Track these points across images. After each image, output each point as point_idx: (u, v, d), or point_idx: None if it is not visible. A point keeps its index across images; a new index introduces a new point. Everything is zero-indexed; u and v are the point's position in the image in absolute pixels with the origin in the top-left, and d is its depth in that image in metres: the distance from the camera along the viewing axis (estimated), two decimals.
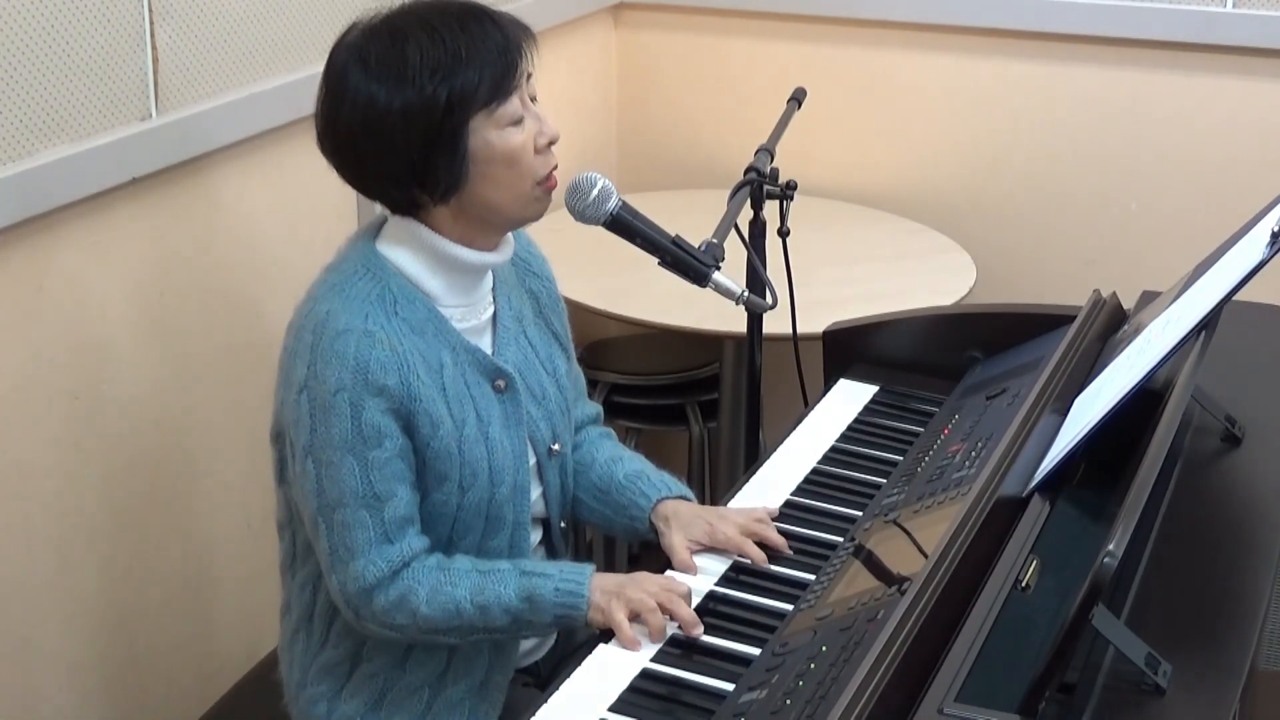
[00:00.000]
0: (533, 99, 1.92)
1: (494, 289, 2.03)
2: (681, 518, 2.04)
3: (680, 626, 1.84)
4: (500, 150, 1.87)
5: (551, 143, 1.92)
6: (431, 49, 1.83)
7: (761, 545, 1.99)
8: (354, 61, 1.86)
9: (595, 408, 2.24)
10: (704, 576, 1.96)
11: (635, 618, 1.84)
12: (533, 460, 2.03)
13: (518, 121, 1.88)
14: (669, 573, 1.97)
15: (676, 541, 2.00)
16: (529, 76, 1.91)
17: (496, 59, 1.86)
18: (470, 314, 1.98)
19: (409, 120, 1.84)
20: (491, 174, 1.88)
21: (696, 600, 1.90)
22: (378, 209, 1.98)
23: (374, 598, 1.88)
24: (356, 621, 1.92)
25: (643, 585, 1.87)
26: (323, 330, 1.86)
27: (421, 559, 1.89)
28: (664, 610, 1.84)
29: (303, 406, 1.87)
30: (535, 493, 2.06)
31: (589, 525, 2.16)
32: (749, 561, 1.97)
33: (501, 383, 1.98)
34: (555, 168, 1.94)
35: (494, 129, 1.87)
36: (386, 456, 1.86)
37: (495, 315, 2.03)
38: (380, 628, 1.90)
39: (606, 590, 1.87)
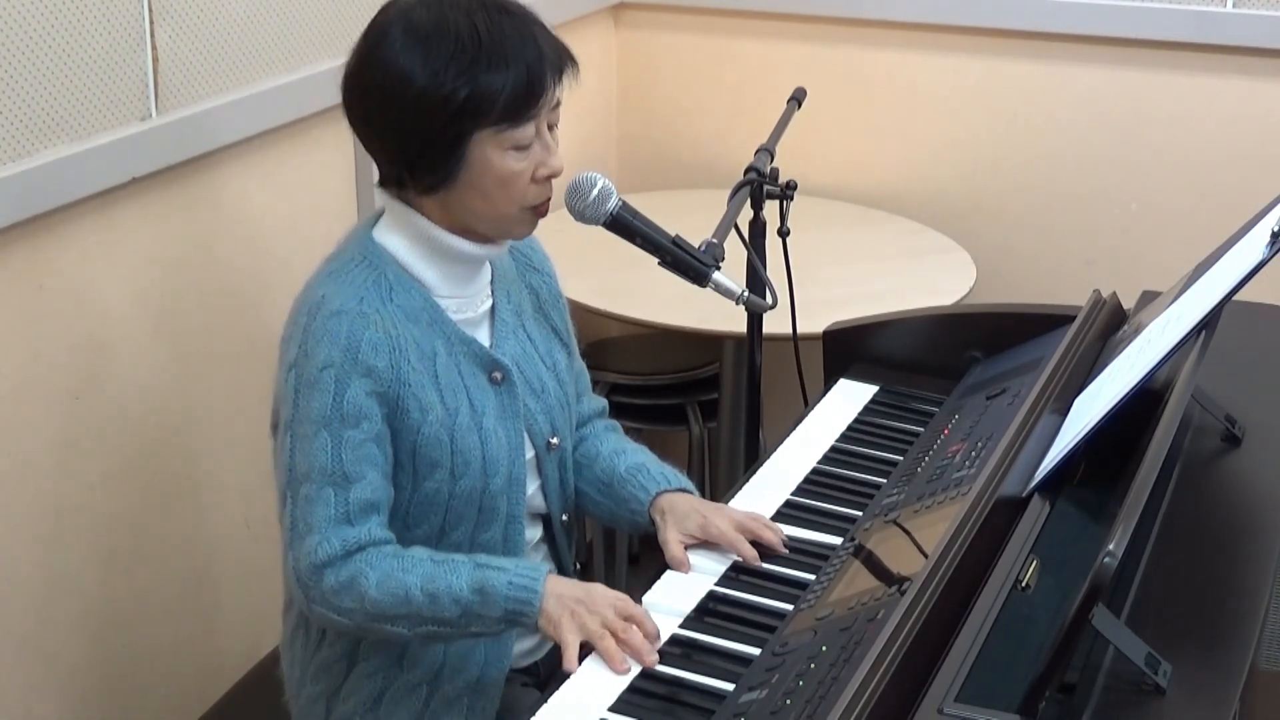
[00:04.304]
0: (552, 127, 1.91)
1: (492, 282, 2.03)
2: (677, 511, 2.02)
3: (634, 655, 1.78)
4: (496, 170, 1.87)
5: (551, 176, 1.91)
6: (469, 44, 1.82)
7: (757, 545, 1.98)
8: (397, 26, 1.85)
9: (600, 402, 2.24)
10: (703, 576, 1.96)
11: (587, 643, 1.79)
12: (531, 454, 2.03)
13: (523, 148, 1.87)
14: (666, 574, 1.96)
15: (670, 536, 1.99)
16: (557, 104, 1.90)
17: (525, 78, 1.84)
18: (467, 306, 1.98)
19: (420, 108, 1.83)
20: (481, 187, 1.88)
21: (697, 599, 1.91)
22: (379, 203, 1.99)
23: (324, 576, 1.85)
24: (306, 604, 1.88)
25: (598, 608, 1.81)
26: (317, 311, 1.87)
27: (379, 547, 1.87)
28: (617, 639, 1.79)
29: (289, 384, 1.87)
30: (533, 486, 2.05)
31: (594, 518, 2.15)
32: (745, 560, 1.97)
33: (498, 375, 1.98)
34: (548, 199, 1.93)
35: (497, 148, 1.86)
36: (362, 438, 1.85)
37: (493, 308, 2.03)
38: (328, 610, 1.86)
39: (563, 600, 1.82)
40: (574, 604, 1.82)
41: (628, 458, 2.13)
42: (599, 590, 1.86)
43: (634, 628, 1.80)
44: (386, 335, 1.87)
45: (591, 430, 2.19)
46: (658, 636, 1.82)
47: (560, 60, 1.89)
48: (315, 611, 1.89)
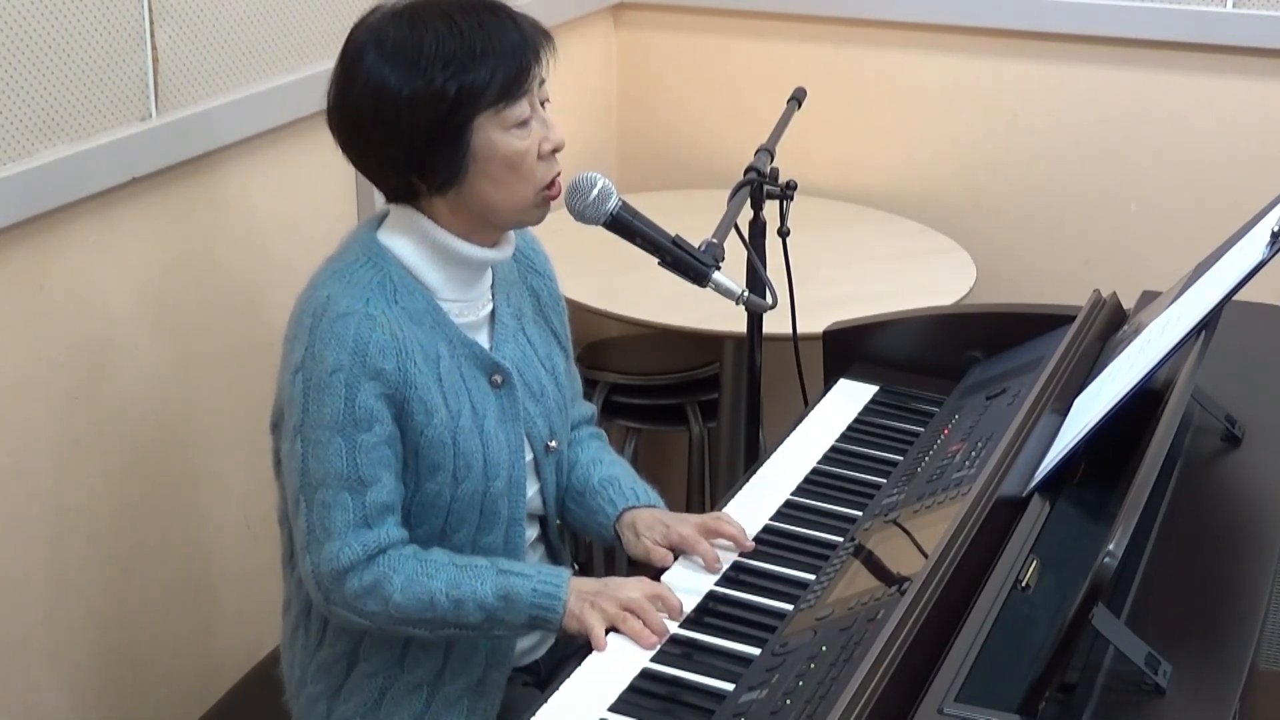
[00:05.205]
0: (543, 104, 1.92)
1: (493, 286, 2.04)
2: (641, 522, 2.05)
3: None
4: (502, 152, 1.88)
5: (556, 150, 1.92)
6: (448, 40, 1.84)
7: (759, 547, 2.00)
8: (371, 43, 1.87)
9: (590, 409, 2.24)
10: (703, 576, 1.96)
11: (611, 626, 1.84)
12: (530, 456, 2.04)
13: (524, 124, 1.88)
14: (664, 578, 1.97)
15: (645, 544, 2.02)
16: (542, 81, 1.91)
17: (510, 59, 1.86)
18: (469, 309, 1.99)
19: (415, 109, 1.84)
20: (491, 173, 1.89)
21: (697, 599, 1.91)
22: (380, 203, 1.99)
23: (346, 581, 1.86)
24: (325, 606, 1.90)
25: (616, 593, 1.87)
26: (323, 313, 1.87)
27: (398, 548, 1.88)
28: (639, 617, 1.84)
29: (297, 386, 1.87)
30: (532, 489, 2.06)
31: (566, 525, 2.16)
32: (749, 559, 1.98)
33: (499, 378, 1.98)
34: (558, 175, 1.94)
35: (499, 130, 1.87)
36: (375, 441, 1.86)
37: (494, 312, 2.03)
38: (349, 613, 1.89)
39: (583, 595, 1.87)
40: (593, 596, 1.87)
41: (603, 469, 2.13)
42: (617, 581, 1.90)
43: (650, 607, 1.85)
44: (393, 337, 1.87)
45: (576, 437, 2.19)
46: (681, 611, 1.87)
47: (538, 37, 1.91)
48: (335, 613, 1.91)
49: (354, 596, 1.87)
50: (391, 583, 1.86)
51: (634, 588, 1.88)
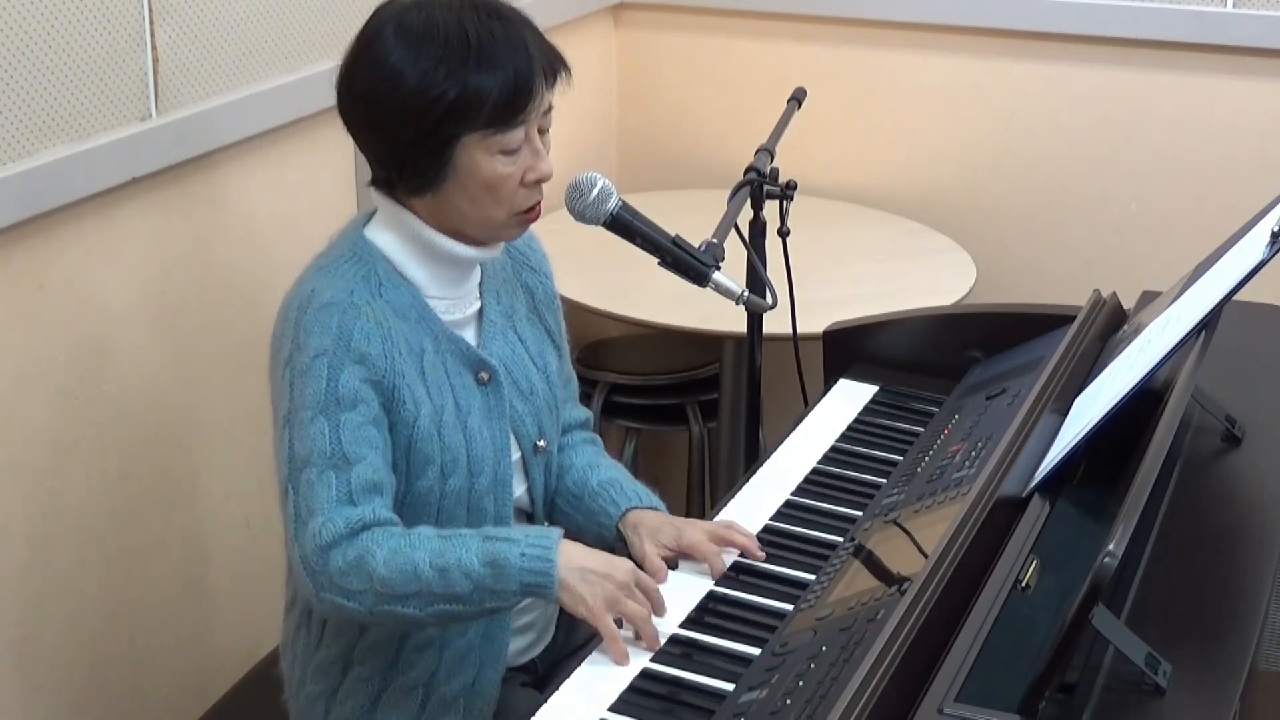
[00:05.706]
0: (543, 132, 1.90)
1: (482, 284, 2.03)
2: (648, 525, 2.02)
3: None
4: (484, 173, 1.87)
5: (540, 181, 1.90)
6: (458, 46, 1.83)
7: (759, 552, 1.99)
8: (389, 27, 1.86)
9: (585, 413, 2.23)
10: (703, 576, 1.96)
11: (618, 619, 1.82)
12: (517, 455, 2.03)
13: (511, 152, 1.87)
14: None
15: (648, 549, 1.98)
16: (549, 109, 1.90)
17: (513, 82, 1.83)
18: (455, 307, 1.98)
19: (409, 109, 1.83)
20: (469, 190, 1.88)
21: (697, 599, 1.91)
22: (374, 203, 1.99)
23: (330, 557, 1.81)
24: (314, 594, 1.84)
25: (618, 578, 1.83)
26: (307, 305, 1.87)
27: (384, 526, 1.84)
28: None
29: (285, 379, 1.87)
30: (520, 488, 2.05)
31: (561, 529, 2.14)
32: (749, 560, 1.98)
33: (485, 375, 1.97)
34: (539, 202, 1.93)
35: (484, 152, 1.86)
36: (359, 421, 1.84)
37: (482, 310, 2.02)
38: (336, 595, 1.83)
39: (585, 574, 1.82)
40: (597, 578, 1.82)
41: (601, 473, 2.12)
42: (616, 560, 1.86)
43: (657, 599, 1.85)
44: (379, 325, 1.87)
45: (570, 441, 2.18)
46: (663, 606, 1.85)
47: (551, 64, 1.88)
48: (324, 600, 1.85)
49: (339, 574, 1.82)
50: (374, 556, 1.81)
51: (633, 575, 1.84)
